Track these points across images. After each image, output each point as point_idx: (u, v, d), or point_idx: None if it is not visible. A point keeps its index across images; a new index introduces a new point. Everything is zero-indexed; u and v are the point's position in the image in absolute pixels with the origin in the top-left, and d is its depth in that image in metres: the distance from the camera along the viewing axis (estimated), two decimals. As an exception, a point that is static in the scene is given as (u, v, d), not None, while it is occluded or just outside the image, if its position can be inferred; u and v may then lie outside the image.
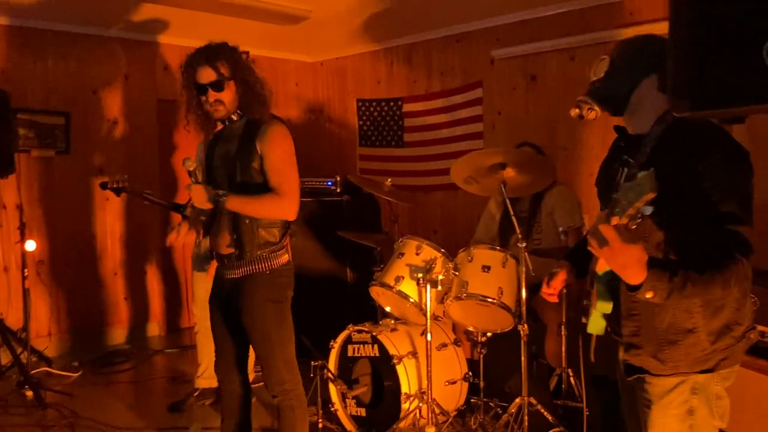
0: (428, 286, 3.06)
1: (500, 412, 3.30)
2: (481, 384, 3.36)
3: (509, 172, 3.13)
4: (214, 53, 2.47)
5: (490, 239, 3.97)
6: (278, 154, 2.53)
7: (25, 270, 4.42)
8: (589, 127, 4.55)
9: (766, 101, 1.01)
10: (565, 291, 2.72)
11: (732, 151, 1.59)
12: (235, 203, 2.47)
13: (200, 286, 3.72)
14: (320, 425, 3.35)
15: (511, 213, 3.10)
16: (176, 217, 3.38)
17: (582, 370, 2.81)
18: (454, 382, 3.40)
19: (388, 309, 3.45)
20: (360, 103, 6.18)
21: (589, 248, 1.53)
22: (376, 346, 3.32)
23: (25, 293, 4.41)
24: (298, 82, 6.58)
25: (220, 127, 2.65)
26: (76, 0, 4.44)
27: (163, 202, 4.02)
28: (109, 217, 5.31)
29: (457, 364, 3.45)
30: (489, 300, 3.03)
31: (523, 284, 3.04)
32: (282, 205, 2.51)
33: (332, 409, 3.43)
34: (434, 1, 4.66)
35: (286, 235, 2.64)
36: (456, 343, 3.50)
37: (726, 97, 1.06)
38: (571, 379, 3.30)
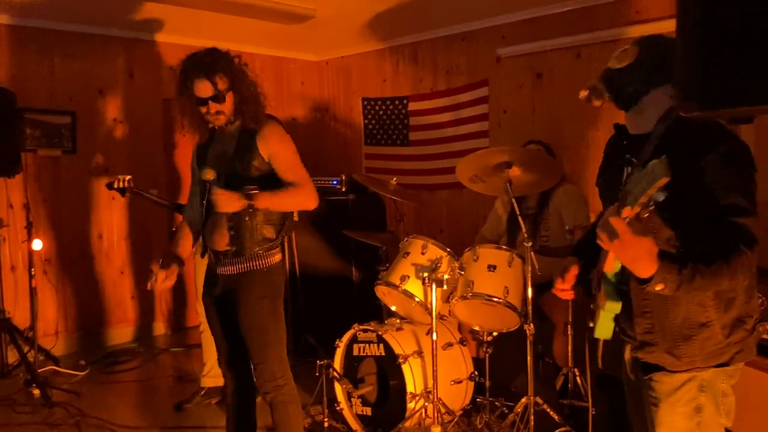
0: (434, 286, 3.06)
1: (506, 411, 3.29)
2: (487, 383, 3.35)
3: (515, 171, 3.12)
4: (212, 66, 2.48)
5: (497, 236, 3.96)
6: (287, 151, 2.63)
7: (32, 269, 4.45)
8: (595, 125, 4.54)
9: (775, 101, 1.01)
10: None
11: (733, 147, 1.59)
12: (265, 200, 2.52)
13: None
14: (326, 424, 3.35)
15: (518, 212, 3.09)
16: (180, 217, 3.38)
17: (588, 371, 2.81)
18: (460, 382, 3.39)
19: (393, 308, 3.44)
20: (365, 102, 6.18)
21: (599, 242, 1.52)
22: (381, 345, 3.32)
23: (32, 292, 4.43)
24: (303, 81, 6.58)
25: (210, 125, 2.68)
26: (82, 0, 4.44)
27: (166, 203, 4.03)
28: (116, 216, 5.33)
29: (463, 363, 3.45)
30: (495, 299, 3.02)
31: (529, 283, 3.03)
32: (308, 195, 2.62)
33: (338, 408, 3.43)
34: (440, 0, 4.65)
35: (282, 233, 2.67)
36: (462, 342, 3.50)
37: (734, 97, 1.06)
38: (578, 378, 3.29)
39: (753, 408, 2.54)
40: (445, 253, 3.20)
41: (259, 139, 2.56)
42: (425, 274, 3.09)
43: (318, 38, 5.77)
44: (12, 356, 4.43)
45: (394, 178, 3.82)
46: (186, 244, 2.71)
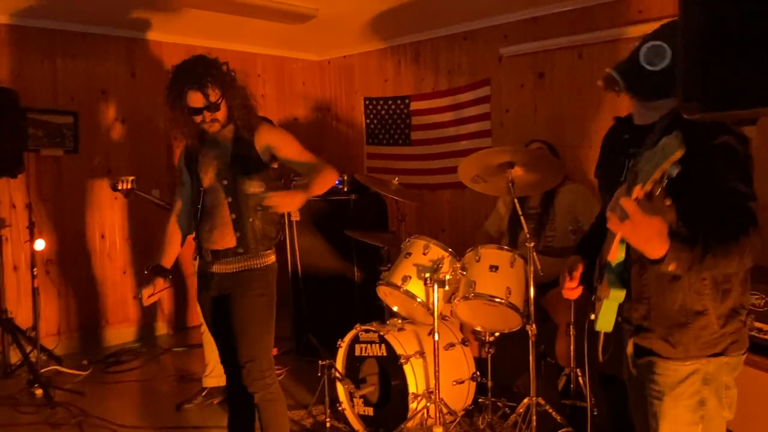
0: (436, 286, 3.06)
1: (508, 412, 3.29)
2: (489, 384, 3.35)
3: (517, 171, 3.11)
4: (202, 77, 2.52)
5: (499, 233, 3.96)
6: (289, 139, 2.71)
7: (35, 269, 4.45)
8: (597, 124, 4.53)
9: (777, 103, 1.01)
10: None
11: (738, 137, 1.61)
12: (314, 187, 2.56)
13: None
14: (328, 424, 3.35)
15: (520, 213, 3.09)
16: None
17: (586, 370, 2.79)
18: (462, 382, 3.39)
19: (395, 309, 3.44)
20: (367, 102, 6.17)
21: (609, 225, 1.52)
22: (383, 345, 3.32)
23: (35, 292, 4.44)
24: (305, 81, 6.58)
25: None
26: (84, 0, 4.45)
27: (169, 207, 4.04)
28: (118, 216, 5.33)
29: (465, 363, 3.45)
30: (497, 300, 3.02)
31: (531, 284, 3.03)
32: (332, 170, 2.67)
33: (340, 408, 3.43)
34: (441, -1, 4.66)
35: (281, 231, 2.74)
36: (464, 342, 3.49)
37: (736, 99, 1.05)
38: (580, 379, 3.29)
39: (753, 407, 2.54)
40: (447, 254, 3.20)
41: (256, 141, 2.62)
42: (427, 275, 3.09)
43: (320, 38, 5.77)
44: (14, 356, 4.44)
45: (396, 178, 3.82)
46: (172, 252, 2.78)
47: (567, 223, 3.59)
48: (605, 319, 1.76)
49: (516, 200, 3.11)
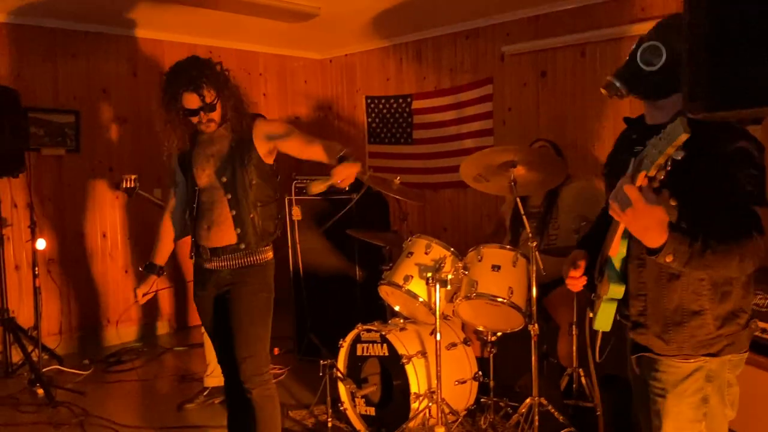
0: (437, 286, 3.04)
1: (510, 411, 3.28)
2: (491, 383, 3.34)
3: (519, 170, 3.10)
4: (197, 78, 2.53)
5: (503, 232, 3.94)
6: (290, 127, 2.73)
7: (36, 268, 4.46)
8: (600, 122, 4.52)
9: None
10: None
11: (754, 142, 1.61)
12: (353, 153, 2.50)
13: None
14: (329, 424, 3.34)
15: (522, 212, 3.08)
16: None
17: (592, 370, 2.79)
18: (464, 382, 3.38)
19: (397, 308, 3.43)
20: (369, 100, 6.16)
21: (611, 212, 1.53)
22: (385, 345, 3.31)
23: (36, 292, 4.44)
24: (306, 80, 6.57)
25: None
26: (85, -1, 4.45)
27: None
28: (119, 215, 5.33)
29: (467, 363, 3.43)
30: (499, 300, 3.01)
31: (534, 283, 3.01)
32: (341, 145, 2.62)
33: (341, 408, 3.42)
34: (443, -2, 4.64)
35: (278, 228, 2.76)
36: (465, 342, 3.48)
37: (741, 98, 1.04)
38: (582, 378, 3.28)
39: (756, 408, 2.53)
40: (449, 253, 3.18)
41: (254, 137, 2.64)
42: (429, 274, 3.08)
43: (322, 36, 5.76)
44: (16, 355, 4.43)
45: (398, 177, 3.80)
46: (165, 250, 2.84)
47: (570, 222, 3.57)
48: (603, 319, 1.76)
49: (518, 199, 3.10)
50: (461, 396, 3.38)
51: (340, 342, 3.44)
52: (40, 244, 4.52)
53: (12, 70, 4.76)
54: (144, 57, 5.40)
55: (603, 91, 1.76)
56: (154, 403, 4.03)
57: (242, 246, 2.63)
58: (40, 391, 4.02)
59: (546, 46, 4.81)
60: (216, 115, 2.61)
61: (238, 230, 2.62)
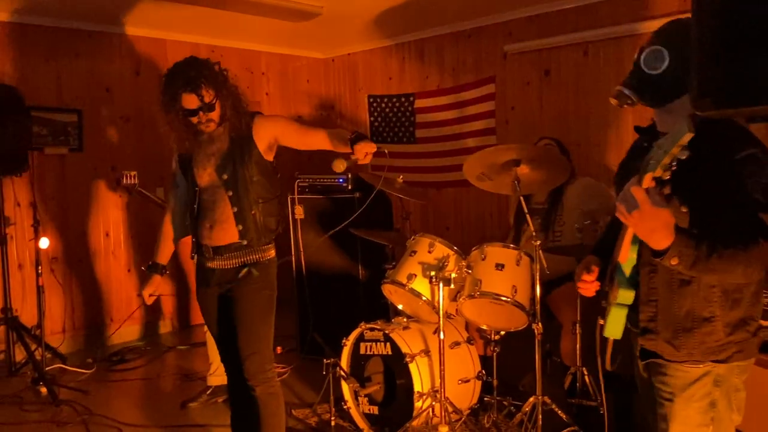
0: (441, 284, 3.04)
1: (514, 410, 3.28)
2: (495, 382, 3.34)
3: (523, 169, 3.09)
4: (196, 78, 2.54)
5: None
6: (290, 121, 2.78)
7: (39, 267, 4.46)
8: (603, 121, 4.51)
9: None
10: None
11: (760, 148, 1.61)
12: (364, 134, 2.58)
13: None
14: (333, 423, 3.34)
15: (525, 211, 3.07)
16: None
17: (600, 370, 2.78)
18: (467, 381, 3.38)
19: (400, 307, 3.43)
20: (371, 99, 6.16)
21: (617, 214, 1.53)
22: (388, 344, 3.31)
23: (39, 290, 4.44)
24: (309, 79, 6.57)
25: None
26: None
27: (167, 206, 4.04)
28: (122, 214, 5.33)
29: (470, 362, 3.43)
30: (503, 298, 3.00)
31: (537, 282, 3.01)
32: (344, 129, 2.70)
33: (345, 406, 3.43)
34: (446, -4, 4.64)
35: (280, 224, 2.77)
36: (469, 341, 3.48)
37: (750, 95, 1.03)
38: (586, 377, 3.27)
39: (760, 408, 2.52)
40: (452, 252, 3.18)
41: (255, 134, 2.66)
42: (432, 273, 3.08)
43: (324, 36, 5.76)
44: (19, 354, 4.43)
45: (401, 176, 3.80)
46: (167, 249, 2.87)
47: (575, 220, 3.56)
48: (614, 326, 1.75)
49: (522, 198, 3.09)
50: (464, 395, 3.38)
51: (344, 341, 3.45)
52: (43, 243, 4.53)
53: (15, 70, 4.76)
54: (147, 56, 5.40)
55: (613, 101, 1.75)
56: (158, 401, 4.03)
57: (244, 242, 2.64)
58: (44, 390, 4.03)
59: (548, 44, 4.80)
60: (215, 114, 2.62)
61: (240, 227, 2.63)
